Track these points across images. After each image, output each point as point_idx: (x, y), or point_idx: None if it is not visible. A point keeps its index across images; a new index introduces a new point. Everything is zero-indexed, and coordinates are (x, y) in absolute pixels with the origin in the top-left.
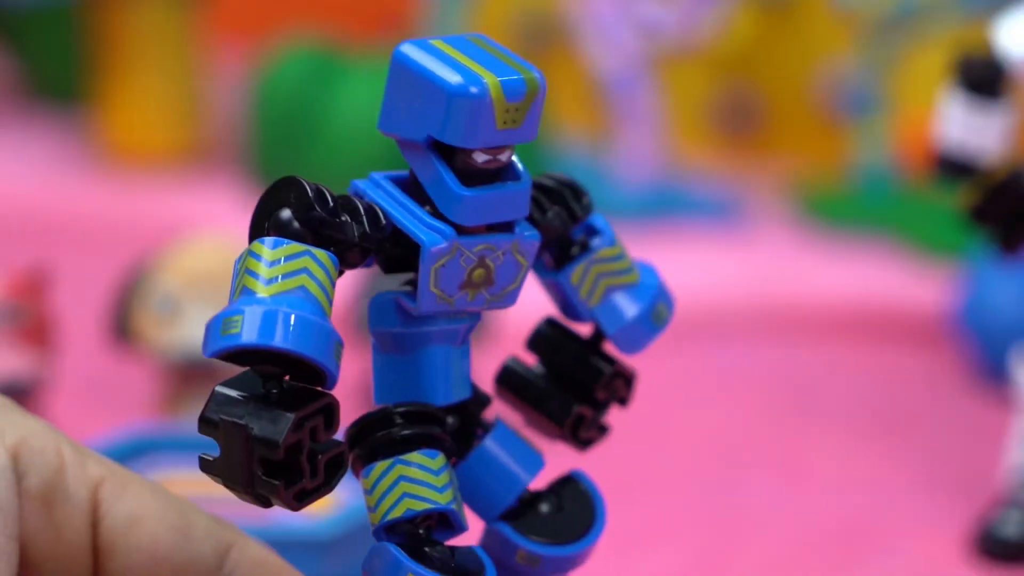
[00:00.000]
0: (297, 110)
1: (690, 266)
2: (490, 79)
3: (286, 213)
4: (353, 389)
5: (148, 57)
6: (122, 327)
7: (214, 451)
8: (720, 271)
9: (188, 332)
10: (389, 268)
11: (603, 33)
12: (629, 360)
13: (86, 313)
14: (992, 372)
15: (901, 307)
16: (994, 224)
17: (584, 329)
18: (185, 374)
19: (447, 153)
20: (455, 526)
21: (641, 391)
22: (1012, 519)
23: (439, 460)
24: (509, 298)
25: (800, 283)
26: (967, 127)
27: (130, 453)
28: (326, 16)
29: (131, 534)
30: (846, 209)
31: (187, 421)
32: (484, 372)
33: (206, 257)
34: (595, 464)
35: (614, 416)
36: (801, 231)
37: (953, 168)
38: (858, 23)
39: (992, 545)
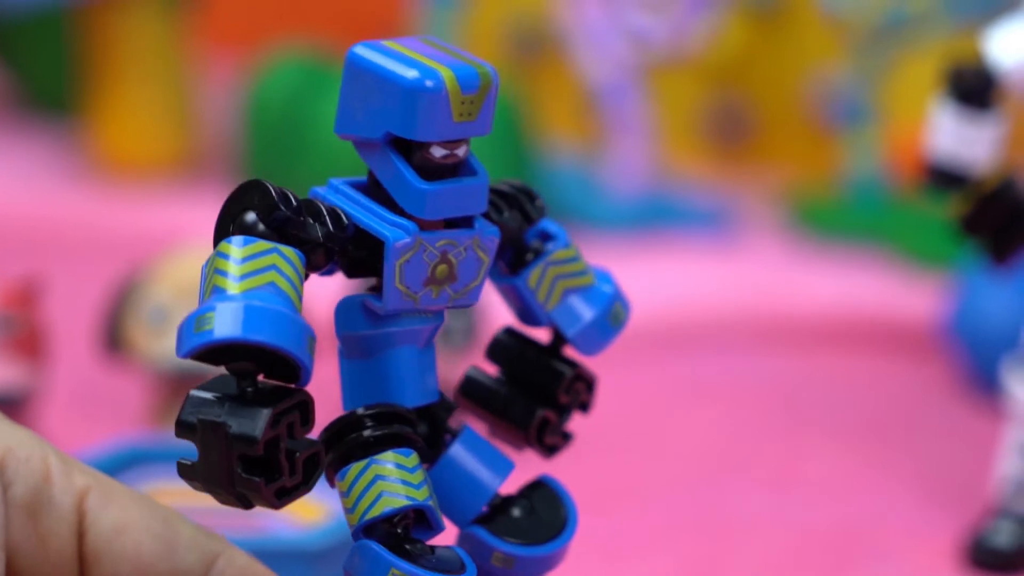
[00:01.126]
0: (288, 120)
1: (681, 275)
2: (445, 72)
3: (251, 215)
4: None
5: (140, 68)
6: (114, 338)
7: (193, 452)
8: (711, 280)
9: None
10: (352, 272)
11: (594, 42)
12: (623, 369)
13: (78, 323)
14: (983, 382)
15: (892, 317)
16: (985, 234)
17: (542, 335)
18: (176, 385)
19: (405, 150)
20: (432, 524)
21: (632, 400)
22: (1003, 529)
23: (413, 458)
24: (472, 295)
25: (791, 292)
26: (958, 137)
27: (121, 464)
28: (317, 26)
29: (116, 544)
30: (837, 218)
31: None
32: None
33: (197, 268)
34: (587, 470)
35: (608, 425)
36: (792, 240)
37: (944, 178)
38: (849, 32)
39: (983, 555)
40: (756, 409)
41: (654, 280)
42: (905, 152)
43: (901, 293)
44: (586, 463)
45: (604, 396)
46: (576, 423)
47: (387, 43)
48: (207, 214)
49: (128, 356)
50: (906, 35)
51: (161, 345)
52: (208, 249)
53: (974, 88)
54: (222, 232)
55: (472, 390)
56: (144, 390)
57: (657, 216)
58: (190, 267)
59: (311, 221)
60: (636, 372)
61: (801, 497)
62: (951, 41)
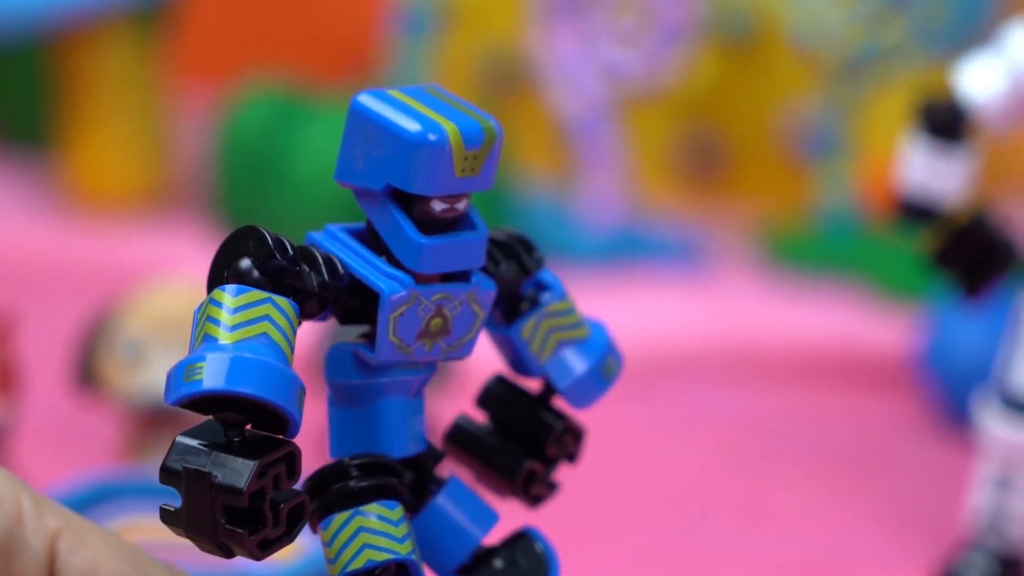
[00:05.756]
0: (262, 153)
1: (654, 309)
2: (449, 127)
3: (246, 262)
4: (314, 436)
5: (114, 100)
6: (87, 372)
7: (176, 497)
8: (684, 314)
9: (153, 378)
10: (345, 319)
11: (567, 76)
12: (592, 407)
13: (51, 358)
14: (955, 415)
15: (864, 350)
16: (957, 268)
17: (533, 385)
18: (150, 420)
19: (405, 202)
20: None
21: (606, 434)
22: (975, 563)
23: (398, 511)
24: (465, 348)
25: (764, 326)
26: (929, 171)
27: (94, 499)
28: (291, 59)
29: None
30: (810, 251)
31: (151, 467)
32: (450, 419)
33: (171, 302)
34: (561, 506)
35: (580, 459)
36: (765, 273)
37: (915, 212)
38: (821, 66)
39: None
40: (728, 442)
41: (627, 313)
42: (877, 185)
43: (873, 326)
44: (560, 496)
45: None
46: None
47: (391, 92)
48: (181, 247)
49: (101, 390)
50: (878, 68)
51: (134, 379)
52: (184, 284)
53: (945, 122)
54: (216, 278)
55: (460, 438)
56: (117, 424)
57: (630, 249)
58: (164, 301)
59: (307, 270)
60: (607, 406)
61: (774, 531)
62: (923, 74)
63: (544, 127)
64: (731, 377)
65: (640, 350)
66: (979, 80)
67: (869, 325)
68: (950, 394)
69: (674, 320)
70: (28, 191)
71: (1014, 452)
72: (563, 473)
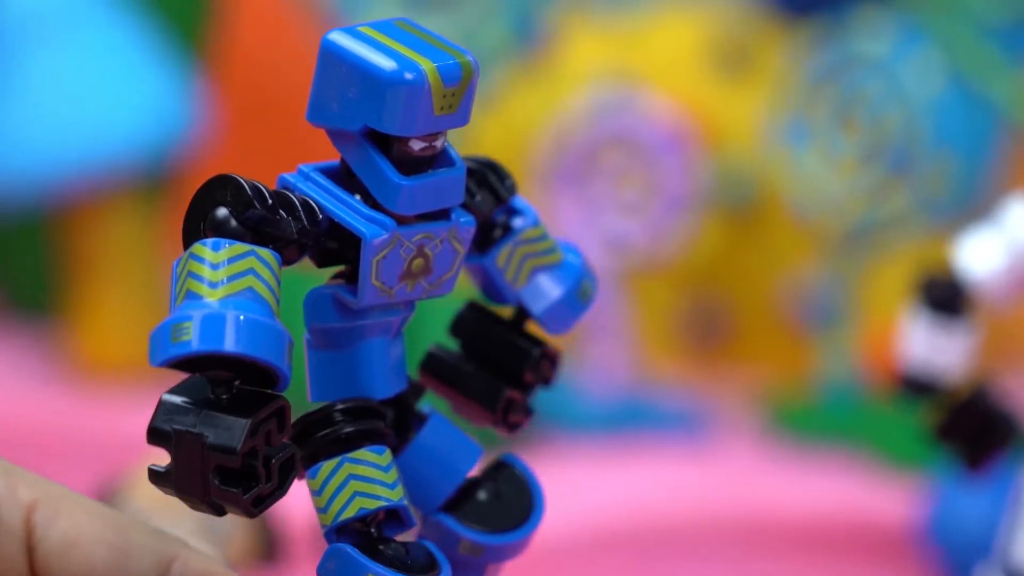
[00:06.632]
0: None
1: (657, 479)
2: (427, 65)
3: (223, 211)
4: None
5: (119, 270)
6: None
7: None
8: (686, 485)
9: None
10: (323, 262)
11: None
12: (598, 574)
13: None
14: None
15: (867, 520)
16: (958, 442)
17: (506, 311)
18: None
19: (382, 142)
20: (405, 522)
21: None
22: None
23: (387, 456)
24: (446, 286)
25: (767, 496)
26: (930, 346)
27: None
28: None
29: (67, 558)
30: (813, 421)
31: None
32: None
33: None
34: None
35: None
36: (768, 443)
37: (917, 387)
38: (822, 235)
39: None
40: None
41: (629, 483)
42: (879, 355)
43: (876, 496)
44: None
45: None
46: None
47: (363, 29)
48: None
49: None
50: (879, 238)
51: None
52: None
53: (946, 298)
54: (193, 230)
55: (435, 367)
56: None
57: (633, 419)
58: None
59: (286, 217)
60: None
61: None
62: (924, 244)
63: None
64: (734, 547)
65: (643, 520)
66: (979, 256)
67: (872, 496)
68: (953, 566)
69: (676, 491)
70: (34, 360)
71: None
72: None
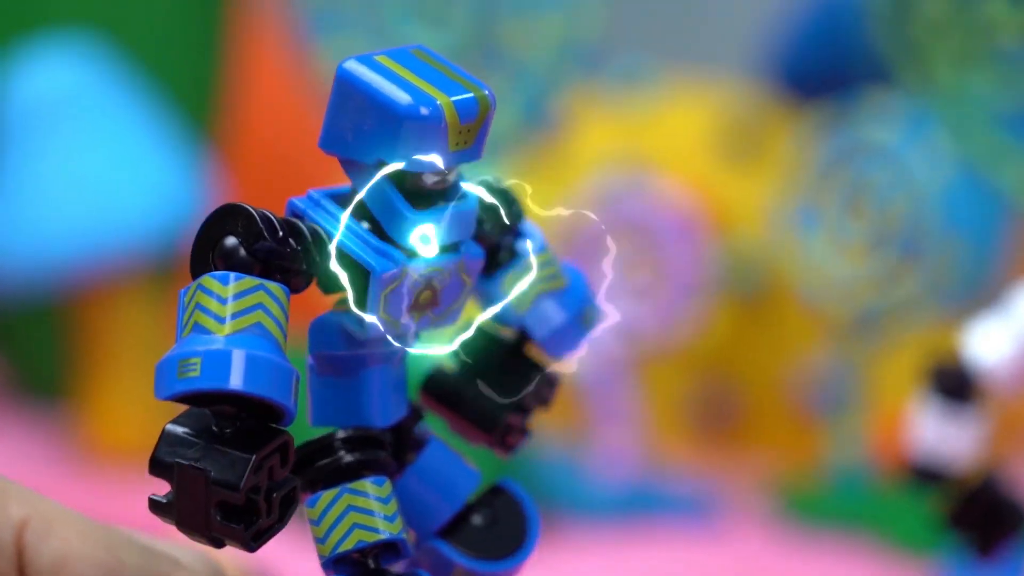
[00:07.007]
0: None
1: (667, 564)
2: (443, 100)
3: (232, 241)
4: None
5: (130, 355)
6: None
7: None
8: (696, 569)
9: None
10: (329, 290)
11: None
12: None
13: None
14: None
15: None
16: (968, 529)
17: (508, 332)
18: None
19: (395, 174)
20: (402, 554)
21: None
22: None
23: (387, 487)
24: (452, 316)
25: None
26: (940, 434)
27: None
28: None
29: None
30: (822, 507)
31: None
32: None
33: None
34: None
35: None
36: (778, 528)
37: (927, 474)
38: (832, 322)
39: None
40: None
41: (640, 569)
42: (889, 441)
43: None
44: None
45: None
46: None
47: (379, 59)
48: None
49: None
50: (888, 324)
51: None
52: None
53: (955, 386)
54: (201, 260)
55: (435, 387)
56: None
57: (642, 504)
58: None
59: (296, 248)
60: None
61: None
62: (933, 330)
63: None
64: None
65: None
66: (987, 344)
67: None
68: None
69: (687, 575)
70: (45, 443)
71: None
72: None
